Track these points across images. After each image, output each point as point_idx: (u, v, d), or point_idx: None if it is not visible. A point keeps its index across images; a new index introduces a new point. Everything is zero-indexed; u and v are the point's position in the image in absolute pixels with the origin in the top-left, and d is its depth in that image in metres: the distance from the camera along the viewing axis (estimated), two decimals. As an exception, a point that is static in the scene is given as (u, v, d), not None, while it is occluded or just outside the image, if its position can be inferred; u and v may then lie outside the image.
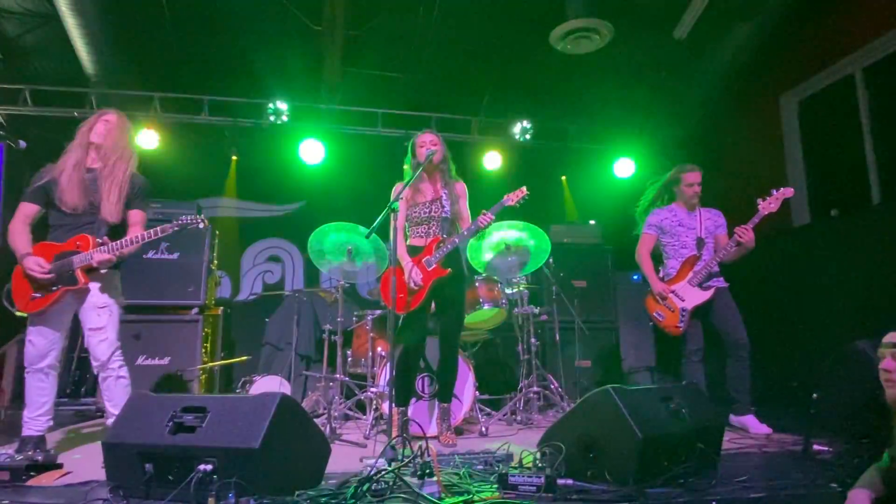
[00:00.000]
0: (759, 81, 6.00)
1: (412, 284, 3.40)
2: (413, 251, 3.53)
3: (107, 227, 3.10)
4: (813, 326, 4.78)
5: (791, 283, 5.14)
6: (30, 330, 3.01)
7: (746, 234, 3.66)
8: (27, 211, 3.09)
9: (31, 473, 2.47)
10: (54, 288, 2.98)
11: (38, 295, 2.98)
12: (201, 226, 3.14)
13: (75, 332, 5.09)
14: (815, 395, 2.80)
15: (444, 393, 3.65)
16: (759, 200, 3.67)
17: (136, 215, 3.20)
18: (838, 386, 2.93)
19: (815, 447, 2.79)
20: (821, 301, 4.80)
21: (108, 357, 3.04)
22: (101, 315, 3.05)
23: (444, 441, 3.44)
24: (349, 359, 4.80)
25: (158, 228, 3.07)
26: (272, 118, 6.15)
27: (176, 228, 3.08)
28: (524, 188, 3.44)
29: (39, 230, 3.14)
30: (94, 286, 3.06)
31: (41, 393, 3.03)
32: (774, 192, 3.65)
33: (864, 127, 5.00)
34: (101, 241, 3.02)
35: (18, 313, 2.99)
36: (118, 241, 3.02)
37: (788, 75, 5.74)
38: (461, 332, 3.76)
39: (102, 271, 3.10)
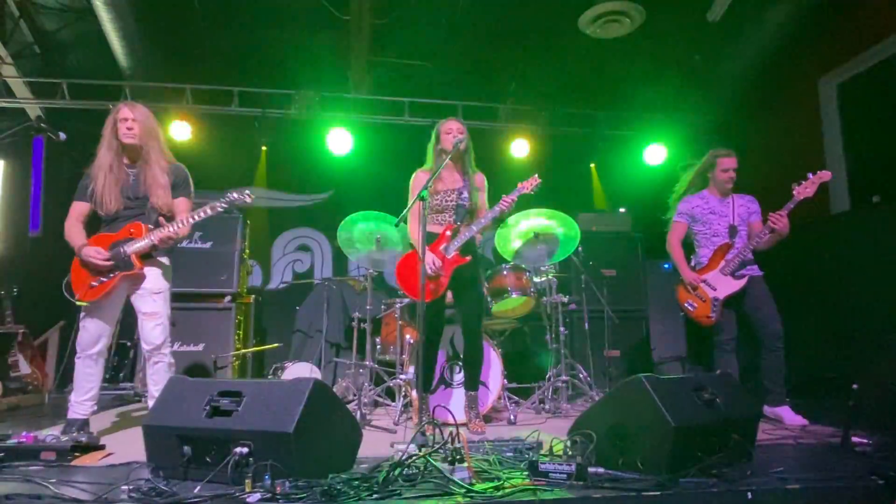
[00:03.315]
0: (796, 64, 5.81)
1: (430, 270, 3.36)
2: (430, 238, 3.50)
3: (157, 214, 3.21)
4: (851, 316, 4.64)
5: (828, 272, 4.99)
6: (84, 317, 3.13)
7: (781, 220, 3.56)
8: (79, 209, 3.21)
9: (76, 454, 2.56)
10: (112, 274, 3.09)
11: (95, 283, 3.08)
12: (248, 200, 3.21)
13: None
14: (854, 387, 2.73)
15: (471, 381, 3.64)
16: (795, 185, 3.56)
17: (181, 203, 3.31)
18: (879, 377, 2.85)
19: (854, 439, 2.72)
20: (859, 290, 4.65)
21: (162, 341, 3.16)
22: (156, 300, 3.17)
23: (473, 429, 3.44)
24: (378, 346, 4.85)
25: (208, 206, 3.14)
26: (301, 108, 6.20)
27: (225, 206, 3.16)
28: (536, 176, 3.44)
29: (93, 225, 3.27)
30: (150, 272, 3.17)
31: (89, 378, 3.15)
32: (811, 175, 3.54)
33: (907, 110, 4.81)
34: (151, 227, 3.14)
35: (78, 303, 3.08)
36: (174, 221, 3.13)
37: (827, 58, 5.54)
38: (483, 316, 3.72)
39: (161, 259, 3.23)
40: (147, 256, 3.17)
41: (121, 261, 3.08)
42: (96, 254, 3.05)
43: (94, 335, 3.12)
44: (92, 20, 5.22)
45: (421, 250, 3.07)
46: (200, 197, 5.32)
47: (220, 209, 3.16)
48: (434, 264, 3.38)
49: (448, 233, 3.48)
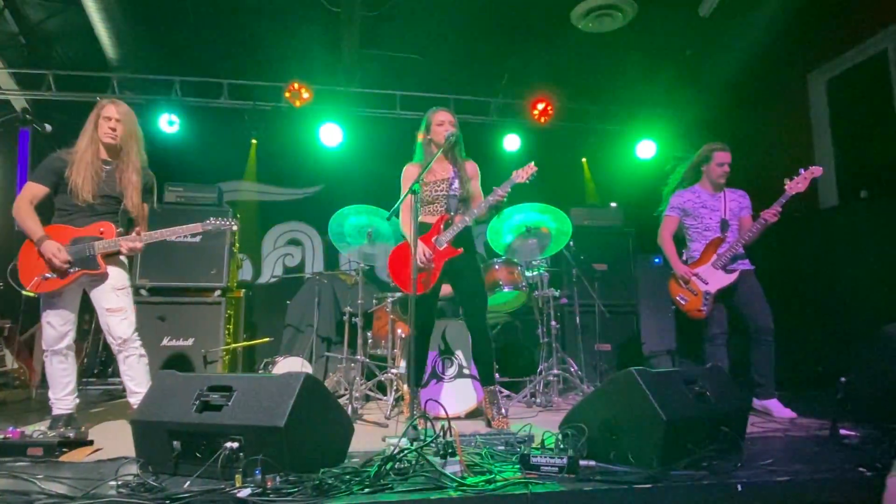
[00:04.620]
0: (786, 59, 5.84)
1: (420, 262, 3.28)
2: (424, 228, 3.44)
3: (127, 216, 3.21)
4: (839, 310, 4.69)
5: (817, 266, 5.04)
6: (47, 312, 3.08)
7: (776, 217, 3.56)
8: (36, 191, 3.11)
9: (64, 449, 2.53)
10: (72, 270, 3.04)
11: (51, 276, 3.02)
12: (234, 227, 3.30)
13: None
14: (842, 380, 2.75)
15: (486, 376, 3.48)
16: (787, 180, 3.58)
17: (144, 209, 3.33)
18: (867, 370, 2.88)
19: (842, 432, 2.74)
20: (848, 284, 4.70)
21: (129, 335, 3.14)
22: (119, 296, 3.15)
23: (497, 426, 3.28)
24: (369, 340, 4.84)
25: (189, 227, 3.20)
26: (291, 101, 6.15)
27: (209, 228, 3.25)
28: (532, 164, 3.31)
29: (40, 210, 3.17)
30: (111, 269, 3.16)
31: (64, 373, 3.13)
32: (802, 171, 3.57)
33: (896, 105, 4.85)
34: (120, 229, 3.13)
35: (26, 293, 3.03)
36: (149, 233, 3.16)
37: (817, 53, 5.57)
38: (487, 309, 3.59)
39: (122, 257, 3.23)
40: (110, 255, 3.15)
41: (84, 258, 3.05)
42: (59, 254, 2.99)
43: (60, 330, 3.09)
44: (78, 10, 5.13)
45: (413, 243, 3.05)
46: (190, 190, 5.36)
47: (199, 231, 3.24)
48: (424, 255, 3.31)
49: (441, 224, 3.42)
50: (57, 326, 3.08)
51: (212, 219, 3.29)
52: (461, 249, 3.38)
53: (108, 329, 3.14)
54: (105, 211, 3.16)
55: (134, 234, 3.17)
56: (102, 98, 3.33)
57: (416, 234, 3.07)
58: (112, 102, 3.25)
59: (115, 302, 3.13)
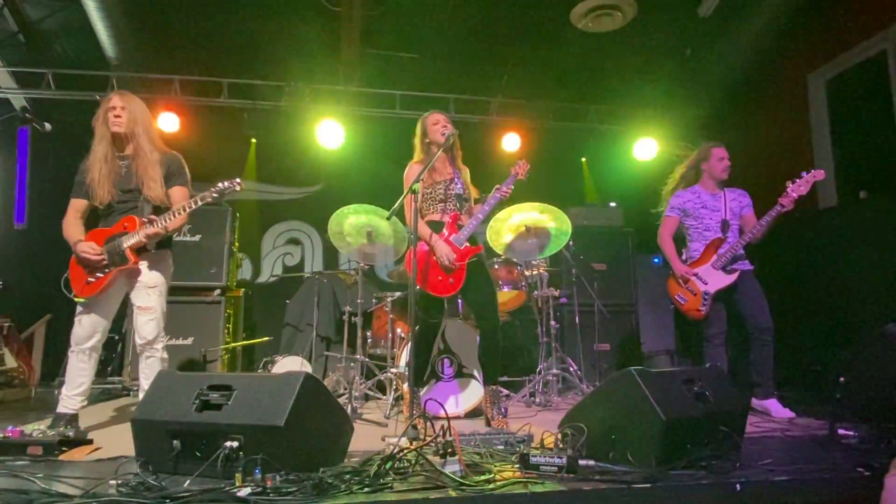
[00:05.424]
0: (786, 60, 5.84)
1: (446, 261, 3.31)
2: (434, 226, 3.44)
3: (151, 207, 3.18)
4: (839, 310, 4.70)
5: (817, 267, 5.04)
6: (80, 311, 3.11)
7: (792, 205, 3.54)
8: (76, 206, 3.21)
9: (63, 448, 2.53)
10: (107, 270, 3.06)
11: (91, 279, 3.07)
12: (238, 188, 3.18)
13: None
14: (841, 379, 2.76)
15: (491, 374, 3.44)
16: (789, 183, 3.57)
17: (177, 193, 3.26)
18: (866, 370, 2.88)
19: (841, 431, 2.75)
20: (847, 285, 4.71)
21: (154, 336, 3.14)
22: (150, 295, 3.15)
23: (497, 425, 3.26)
24: (369, 340, 4.84)
25: (198, 196, 3.10)
26: (290, 100, 6.15)
27: (215, 195, 3.13)
28: (523, 161, 3.44)
29: (93, 221, 3.26)
30: (146, 265, 3.15)
31: (81, 373, 3.12)
32: (804, 174, 3.57)
33: (895, 106, 4.85)
34: (146, 219, 3.10)
35: (76, 299, 3.09)
36: (163, 215, 3.09)
37: (817, 54, 5.57)
38: (498, 310, 3.54)
39: (153, 251, 3.19)
40: (143, 250, 3.14)
41: (116, 255, 3.06)
42: (90, 249, 3.04)
43: (88, 330, 3.10)
44: (78, 9, 5.13)
45: (414, 242, 3.07)
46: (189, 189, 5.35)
47: (210, 199, 3.13)
48: (450, 257, 3.32)
49: (454, 223, 3.42)
50: (86, 327, 3.09)
51: (219, 183, 3.18)
52: (481, 247, 3.42)
53: (136, 328, 3.16)
54: (129, 206, 3.16)
55: (146, 222, 3.12)
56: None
57: (416, 233, 3.08)
58: (117, 93, 3.26)
59: (145, 300, 3.13)
